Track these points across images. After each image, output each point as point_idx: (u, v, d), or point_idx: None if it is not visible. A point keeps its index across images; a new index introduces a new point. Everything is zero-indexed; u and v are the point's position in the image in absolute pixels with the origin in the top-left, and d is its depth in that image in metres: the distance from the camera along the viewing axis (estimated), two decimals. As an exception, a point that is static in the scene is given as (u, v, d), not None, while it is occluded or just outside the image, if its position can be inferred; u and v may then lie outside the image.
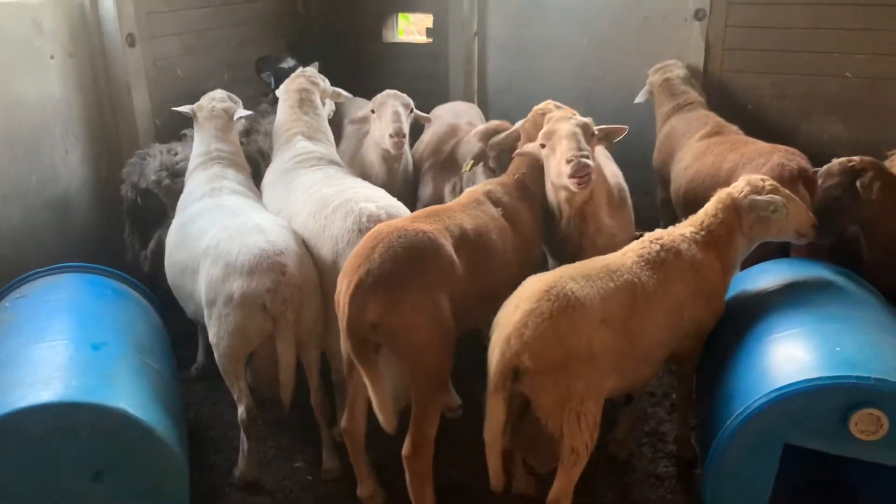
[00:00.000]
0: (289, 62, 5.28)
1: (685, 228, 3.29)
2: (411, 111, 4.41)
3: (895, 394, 2.52)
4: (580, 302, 2.77)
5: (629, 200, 3.97)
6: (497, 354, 2.72)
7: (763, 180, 3.29)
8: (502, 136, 3.90)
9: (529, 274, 3.31)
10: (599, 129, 3.47)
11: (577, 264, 3.07)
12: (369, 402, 2.96)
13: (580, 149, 3.19)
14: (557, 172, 3.30)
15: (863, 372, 2.58)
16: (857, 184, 3.50)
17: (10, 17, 4.33)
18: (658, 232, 3.29)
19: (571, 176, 3.18)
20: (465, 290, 3.04)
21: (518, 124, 3.90)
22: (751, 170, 3.96)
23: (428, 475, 3.02)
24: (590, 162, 3.19)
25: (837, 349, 2.76)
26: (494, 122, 4.10)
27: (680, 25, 5.39)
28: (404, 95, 4.39)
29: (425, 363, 2.89)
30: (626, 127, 3.60)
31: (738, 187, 3.29)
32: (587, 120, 3.42)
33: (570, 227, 3.54)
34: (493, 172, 3.93)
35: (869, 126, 4.96)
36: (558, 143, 3.28)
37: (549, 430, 2.76)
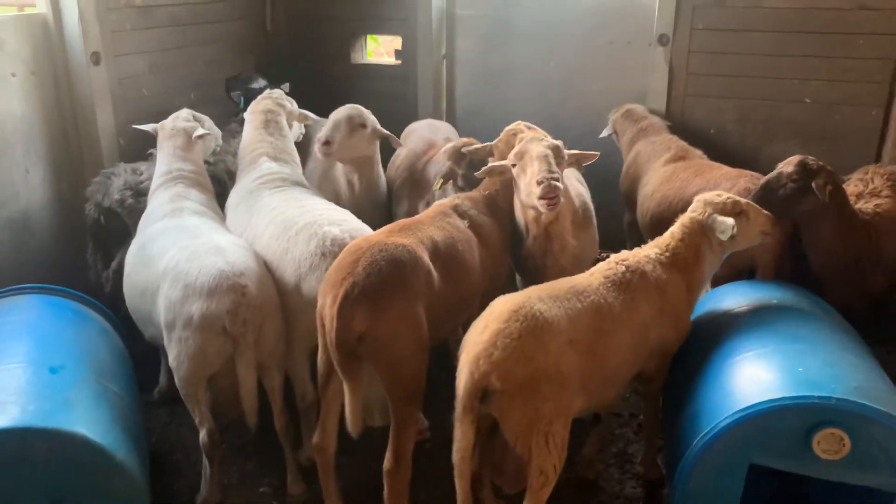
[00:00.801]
0: (259, 82, 5.27)
1: (650, 250, 3.33)
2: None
3: (856, 414, 2.56)
4: (548, 322, 2.79)
5: (594, 220, 4.04)
6: (465, 375, 2.71)
7: (719, 195, 3.37)
8: (476, 146, 3.96)
9: (498, 287, 3.43)
10: (570, 154, 3.53)
11: (545, 285, 3.09)
12: (341, 419, 3.00)
13: (551, 171, 3.24)
14: (527, 192, 3.34)
15: (824, 392, 2.62)
16: (813, 183, 3.61)
17: (-29, 35, 4.27)
18: (623, 253, 3.32)
19: (541, 197, 3.23)
20: (437, 302, 3.10)
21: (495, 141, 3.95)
22: (717, 194, 4.04)
23: (406, 492, 3.04)
24: (560, 185, 3.24)
25: (800, 369, 2.80)
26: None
27: (644, 50, 5.48)
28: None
29: (405, 373, 2.95)
30: (596, 153, 3.66)
31: (699, 209, 3.34)
32: (558, 143, 3.48)
33: (535, 245, 3.59)
34: (462, 190, 3.95)
35: (826, 150, 5.06)
36: (529, 163, 3.33)
37: (518, 451, 2.75)
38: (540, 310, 2.80)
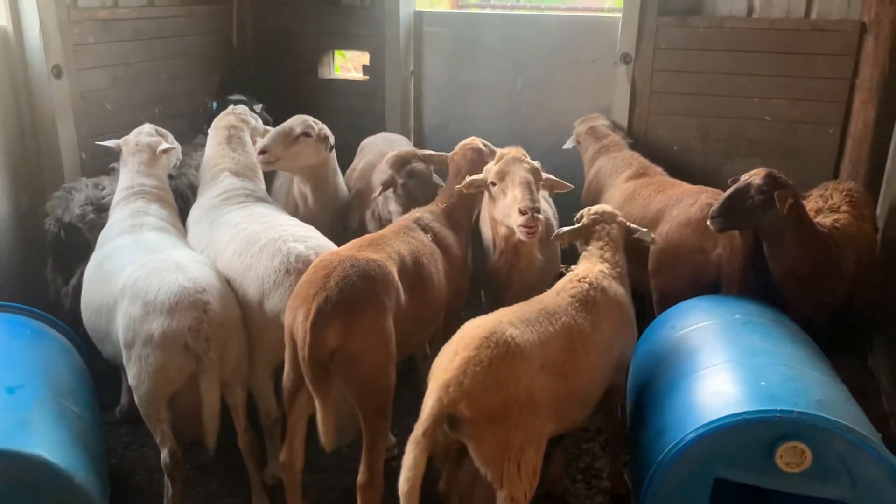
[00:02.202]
0: (238, 97, 5.22)
1: (600, 265, 3.38)
2: None
3: (818, 427, 2.60)
4: (520, 349, 2.73)
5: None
6: (433, 400, 2.61)
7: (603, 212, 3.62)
8: (432, 153, 4.04)
9: (460, 300, 3.55)
10: (546, 179, 3.61)
11: (516, 308, 3.02)
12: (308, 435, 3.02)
13: (533, 201, 3.31)
14: (506, 213, 3.42)
15: (787, 406, 2.65)
16: (776, 194, 3.68)
17: (-73, 46, 4.18)
18: (580, 270, 3.35)
19: (523, 226, 3.29)
20: (404, 317, 3.12)
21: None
22: (680, 210, 4.11)
23: None
24: (541, 216, 3.34)
25: (762, 383, 2.84)
26: (405, 150, 4.13)
27: (609, 69, 5.57)
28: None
29: (377, 387, 2.96)
30: (570, 186, 3.79)
31: (615, 218, 3.59)
32: (537, 165, 3.55)
33: (502, 260, 3.65)
34: (400, 199, 4.01)
35: (786, 167, 5.12)
36: (512, 187, 3.38)
37: (489, 479, 2.68)
38: (512, 335, 2.74)
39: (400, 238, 3.41)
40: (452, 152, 4.00)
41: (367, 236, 3.42)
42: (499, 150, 3.69)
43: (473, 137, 4.03)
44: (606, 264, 3.38)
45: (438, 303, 3.49)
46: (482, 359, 2.64)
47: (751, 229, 3.88)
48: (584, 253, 3.53)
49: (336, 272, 2.93)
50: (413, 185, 3.97)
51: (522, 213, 3.28)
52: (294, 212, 4.30)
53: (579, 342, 2.97)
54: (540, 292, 3.26)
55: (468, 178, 3.66)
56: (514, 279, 3.64)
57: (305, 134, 4.15)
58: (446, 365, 2.67)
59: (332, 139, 4.27)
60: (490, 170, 3.56)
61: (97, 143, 4.29)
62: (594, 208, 3.67)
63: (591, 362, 3.02)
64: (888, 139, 4.87)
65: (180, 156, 4.50)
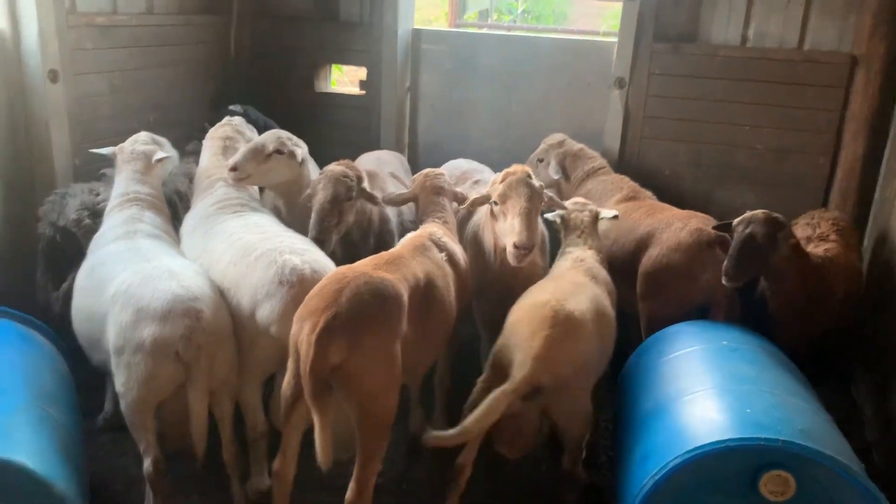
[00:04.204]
0: (238, 108, 5.21)
1: (586, 252, 3.88)
2: None
3: (802, 456, 2.61)
4: (580, 321, 3.22)
5: (547, 244, 4.25)
6: (528, 370, 3.01)
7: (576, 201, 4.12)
8: (397, 197, 4.13)
9: (464, 315, 3.78)
10: (548, 199, 3.83)
11: (552, 284, 3.53)
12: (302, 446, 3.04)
13: (530, 235, 3.54)
14: (503, 234, 3.67)
15: (771, 434, 2.67)
16: (780, 235, 3.70)
17: (-76, 47, 4.17)
18: (578, 254, 3.86)
19: (515, 256, 3.54)
20: (412, 339, 3.12)
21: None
22: (670, 233, 4.13)
23: None
24: (534, 248, 3.56)
25: (748, 411, 2.85)
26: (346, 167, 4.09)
27: (603, 92, 5.62)
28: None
29: (376, 408, 2.95)
30: (566, 206, 4.07)
31: (585, 208, 4.04)
32: (540, 186, 3.71)
33: (504, 268, 3.78)
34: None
35: (776, 195, 5.25)
36: (512, 215, 3.61)
37: (563, 428, 3.25)
38: (572, 310, 3.20)
39: (416, 258, 3.41)
40: (414, 184, 4.15)
41: (383, 254, 3.42)
42: (507, 170, 3.82)
43: (430, 169, 4.17)
44: (591, 251, 3.90)
45: (448, 325, 3.54)
46: (557, 336, 3.10)
47: (760, 274, 3.90)
48: (569, 239, 3.99)
49: (348, 288, 2.91)
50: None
51: (516, 246, 3.52)
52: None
53: (604, 309, 3.49)
54: None
55: (472, 197, 3.78)
56: (517, 283, 3.69)
57: (278, 151, 4.13)
58: (528, 343, 3.09)
59: (301, 156, 4.20)
60: (495, 188, 3.70)
61: (91, 150, 4.28)
62: (569, 201, 4.14)
63: (611, 324, 3.55)
64: (877, 171, 4.94)
65: (177, 163, 4.50)
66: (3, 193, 4.69)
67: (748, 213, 3.81)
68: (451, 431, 3.01)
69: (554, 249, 4.16)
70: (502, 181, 3.72)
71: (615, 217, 4.10)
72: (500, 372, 3.16)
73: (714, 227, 3.96)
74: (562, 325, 3.13)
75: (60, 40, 4.67)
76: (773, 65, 5.13)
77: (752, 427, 2.73)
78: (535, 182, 3.73)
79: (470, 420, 2.99)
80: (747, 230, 3.73)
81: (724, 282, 3.74)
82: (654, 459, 2.86)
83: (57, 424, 3.06)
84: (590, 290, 3.53)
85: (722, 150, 5.38)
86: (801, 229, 4.38)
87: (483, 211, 4.06)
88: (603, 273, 3.81)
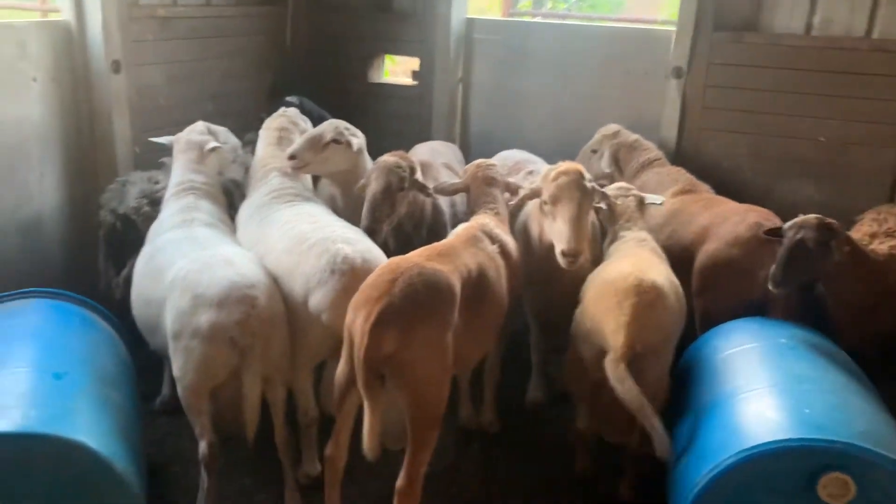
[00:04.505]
0: (294, 99, 5.27)
1: (645, 233, 3.94)
2: None
3: (862, 459, 2.54)
4: (664, 291, 3.32)
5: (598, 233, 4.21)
6: (624, 337, 3.14)
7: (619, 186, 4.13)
8: (448, 187, 4.13)
9: (515, 306, 3.77)
10: (601, 196, 3.81)
11: (627, 260, 3.58)
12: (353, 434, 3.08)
13: (579, 242, 3.53)
14: (551, 235, 3.68)
15: (831, 435, 2.60)
16: (833, 243, 3.55)
17: (-5, 38, 4.32)
18: (637, 235, 3.90)
19: (564, 261, 3.55)
20: (463, 331, 3.12)
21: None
22: (727, 227, 4.03)
23: None
24: (583, 256, 3.57)
25: (806, 411, 2.78)
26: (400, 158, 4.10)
27: (660, 82, 5.50)
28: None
29: (428, 398, 2.97)
30: (611, 194, 4.00)
31: (631, 197, 4.04)
32: (592, 187, 3.69)
33: (550, 261, 3.73)
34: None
35: (839, 190, 5.08)
36: (562, 219, 3.58)
37: (646, 396, 3.15)
38: (655, 280, 3.31)
39: (468, 250, 3.41)
40: (465, 175, 4.15)
41: (436, 245, 3.43)
42: (559, 167, 3.76)
43: (480, 160, 4.17)
44: (642, 232, 3.94)
45: (500, 317, 3.54)
46: (645, 303, 3.21)
47: (820, 279, 3.78)
48: (618, 225, 3.98)
49: (402, 279, 2.93)
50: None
51: (563, 254, 3.53)
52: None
53: (677, 285, 3.57)
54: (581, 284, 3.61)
55: (521, 193, 3.77)
56: (564, 276, 3.67)
57: (335, 141, 4.17)
58: (617, 311, 3.20)
59: (357, 145, 4.23)
60: (547, 184, 3.66)
61: (150, 139, 4.39)
62: (612, 187, 4.13)
63: (684, 301, 3.62)
64: (948, 165, 4.74)
65: (239, 152, 4.55)
66: (68, 180, 4.84)
67: (800, 217, 3.66)
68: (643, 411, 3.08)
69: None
70: (554, 180, 3.66)
71: (660, 203, 4.13)
72: (585, 343, 3.34)
73: (765, 232, 3.80)
74: (648, 294, 3.23)
75: (123, 32, 4.78)
76: (839, 54, 4.95)
77: (811, 428, 2.66)
78: (588, 184, 3.69)
79: (630, 399, 3.07)
80: (798, 236, 3.58)
81: (770, 287, 3.62)
82: (708, 457, 2.81)
83: (117, 406, 3.15)
84: (662, 266, 3.62)
85: (783, 142, 5.22)
86: (867, 225, 4.22)
87: (532, 200, 4.03)
88: (664, 255, 3.85)
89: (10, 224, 4.51)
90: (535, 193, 3.81)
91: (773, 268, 3.61)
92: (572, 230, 3.54)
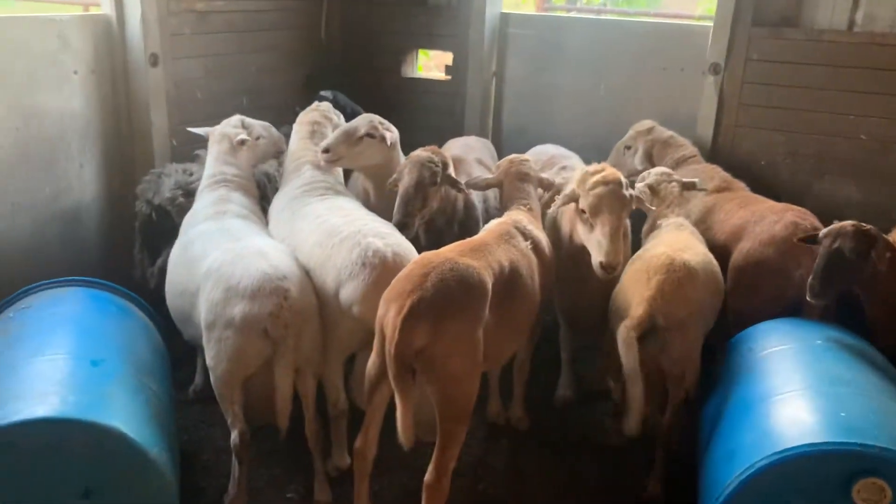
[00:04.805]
0: (328, 94, 5.29)
1: (683, 219, 4.06)
2: None
3: (900, 464, 2.49)
4: (695, 269, 3.44)
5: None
6: (642, 310, 3.29)
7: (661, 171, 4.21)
8: (481, 182, 4.14)
9: (545, 300, 3.78)
10: (637, 202, 3.75)
11: (664, 241, 3.69)
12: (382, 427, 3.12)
13: (618, 249, 3.52)
14: (587, 243, 3.64)
15: (868, 440, 2.54)
16: (873, 252, 3.45)
17: (38, 31, 4.41)
18: (676, 221, 4.01)
19: (602, 273, 3.55)
20: (492, 327, 3.12)
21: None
22: (763, 227, 3.96)
23: None
24: (619, 266, 3.55)
25: (842, 414, 2.73)
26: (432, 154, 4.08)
27: (696, 79, 5.43)
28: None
29: (457, 393, 2.97)
30: (653, 208, 4.03)
31: (674, 182, 4.15)
32: (630, 195, 3.66)
33: (578, 258, 3.77)
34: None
35: (880, 189, 4.96)
36: (602, 232, 3.54)
37: (673, 375, 3.44)
38: (687, 258, 3.45)
39: (501, 246, 3.40)
40: (499, 170, 4.15)
41: (468, 240, 3.43)
42: (600, 172, 3.69)
43: (514, 155, 4.16)
44: (681, 218, 4.06)
45: (531, 313, 3.54)
46: (671, 279, 3.37)
47: (850, 287, 3.66)
48: (659, 212, 4.05)
49: (434, 273, 2.94)
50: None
51: (602, 267, 3.52)
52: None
53: (714, 265, 3.70)
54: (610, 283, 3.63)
55: (561, 196, 3.74)
56: (593, 275, 3.62)
57: (369, 135, 4.18)
58: (644, 286, 3.37)
59: (390, 140, 4.23)
60: (584, 192, 3.61)
61: (189, 129, 4.44)
62: (654, 171, 4.24)
63: (722, 284, 3.79)
64: None
65: (283, 147, 4.51)
66: (106, 171, 4.93)
67: (836, 225, 3.55)
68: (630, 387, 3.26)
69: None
70: (592, 189, 3.59)
71: (704, 190, 4.28)
72: (619, 323, 3.40)
73: (799, 239, 3.70)
74: (677, 271, 3.38)
75: (161, 26, 4.85)
76: (882, 50, 4.83)
77: (846, 431, 2.61)
78: (627, 192, 3.64)
79: (626, 364, 3.25)
80: (835, 245, 3.47)
81: (808, 298, 3.51)
82: (740, 458, 2.77)
83: (152, 394, 3.21)
84: (700, 247, 3.74)
85: (822, 140, 5.11)
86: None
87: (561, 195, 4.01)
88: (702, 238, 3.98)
89: (50, 213, 4.61)
90: (571, 198, 3.74)
91: (810, 278, 3.51)
92: (612, 243, 3.51)
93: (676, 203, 4.08)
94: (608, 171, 3.71)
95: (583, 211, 3.62)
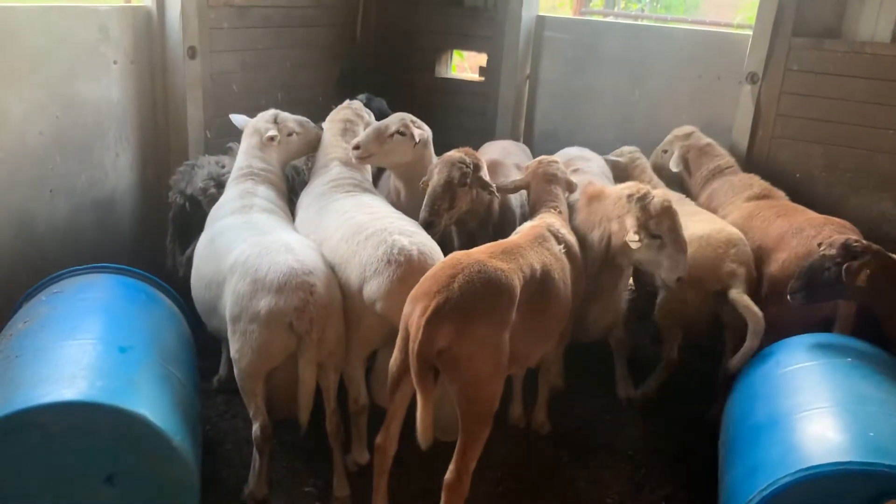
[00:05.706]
0: (362, 97, 5.29)
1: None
2: None
3: (929, 487, 2.43)
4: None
5: None
6: (739, 277, 3.93)
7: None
8: (509, 184, 4.16)
9: (576, 303, 3.76)
10: None
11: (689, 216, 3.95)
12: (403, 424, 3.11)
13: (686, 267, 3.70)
14: (652, 261, 3.73)
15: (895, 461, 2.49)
16: (844, 267, 3.45)
17: (79, 21, 4.48)
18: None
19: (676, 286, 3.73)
20: (521, 330, 3.12)
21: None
22: (800, 239, 3.93)
23: None
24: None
25: (871, 434, 2.67)
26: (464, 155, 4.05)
27: (734, 87, 5.37)
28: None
29: (480, 395, 2.97)
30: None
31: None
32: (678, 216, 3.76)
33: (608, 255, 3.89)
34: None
35: (919, 205, 4.88)
36: (676, 248, 3.66)
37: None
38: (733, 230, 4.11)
39: (534, 249, 3.40)
40: (529, 170, 4.16)
41: (501, 242, 3.42)
42: (658, 192, 3.80)
43: (543, 157, 4.19)
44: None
45: (562, 318, 3.54)
46: (743, 251, 4.06)
47: (835, 299, 3.68)
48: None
49: (462, 274, 2.93)
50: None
51: (679, 281, 3.69)
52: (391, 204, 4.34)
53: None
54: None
55: (630, 221, 3.69)
56: (605, 288, 3.78)
57: (399, 133, 4.18)
58: (726, 259, 3.98)
59: (420, 138, 4.21)
60: (648, 214, 3.65)
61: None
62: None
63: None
64: None
65: (316, 141, 4.49)
66: (142, 161, 5.00)
67: (834, 237, 3.63)
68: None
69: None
70: (662, 212, 3.65)
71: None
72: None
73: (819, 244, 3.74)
74: (740, 243, 4.05)
75: (200, 19, 4.90)
76: (925, 64, 4.74)
77: (874, 452, 2.57)
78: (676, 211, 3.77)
79: (754, 316, 3.77)
80: (822, 252, 3.57)
81: (788, 297, 3.59)
82: (763, 474, 2.73)
83: (178, 383, 3.25)
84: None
85: (861, 154, 5.02)
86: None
87: (578, 202, 4.10)
88: None
89: (86, 200, 4.69)
90: (621, 221, 3.76)
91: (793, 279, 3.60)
92: (686, 257, 3.68)
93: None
94: (658, 191, 3.79)
95: (652, 235, 3.65)
